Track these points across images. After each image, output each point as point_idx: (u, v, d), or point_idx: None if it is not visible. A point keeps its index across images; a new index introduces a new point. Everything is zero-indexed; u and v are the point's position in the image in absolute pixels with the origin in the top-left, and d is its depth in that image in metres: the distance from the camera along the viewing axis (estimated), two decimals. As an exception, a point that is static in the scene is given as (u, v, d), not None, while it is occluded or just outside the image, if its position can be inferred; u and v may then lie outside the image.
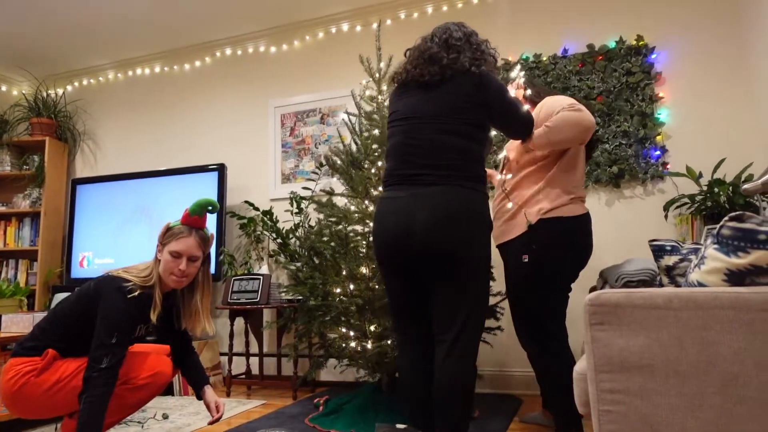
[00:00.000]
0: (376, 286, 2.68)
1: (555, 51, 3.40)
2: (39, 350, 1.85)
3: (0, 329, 2.78)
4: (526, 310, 2.09)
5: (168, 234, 1.96)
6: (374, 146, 2.81)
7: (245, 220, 3.80)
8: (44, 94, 4.70)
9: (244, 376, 3.70)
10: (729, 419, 1.16)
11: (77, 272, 4.23)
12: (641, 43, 3.20)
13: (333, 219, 2.92)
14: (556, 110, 1.93)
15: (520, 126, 1.91)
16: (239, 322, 3.91)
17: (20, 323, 2.64)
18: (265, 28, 4.17)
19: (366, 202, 2.81)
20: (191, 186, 3.98)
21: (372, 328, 2.67)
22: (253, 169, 4.15)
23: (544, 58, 3.40)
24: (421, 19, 3.79)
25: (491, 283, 2.62)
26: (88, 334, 1.84)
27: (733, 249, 1.24)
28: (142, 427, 2.61)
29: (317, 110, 4.00)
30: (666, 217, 2.94)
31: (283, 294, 3.15)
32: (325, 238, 2.90)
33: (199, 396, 2.17)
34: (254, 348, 3.92)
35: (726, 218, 1.26)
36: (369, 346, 2.64)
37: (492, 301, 2.60)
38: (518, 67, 3.32)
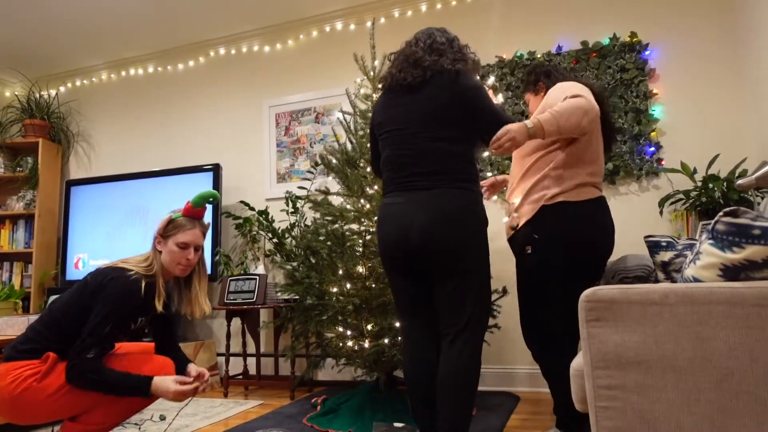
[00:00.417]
0: (373, 285, 2.68)
1: (549, 48, 3.40)
2: (36, 353, 1.81)
3: (-5, 332, 2.76)
4: (530, 305, 2.00)
5: (171, 226, 1.99)
6: (369, 145, 2.80)
7: (241, 220, 3.79)
8: (37, 96, 4.67)
9: (241, 377, 3.70)
10: (725, 414, 1.16)
11: (72, 274, 4.21)
12: (635, 39, 3.21)
13: (329, 218, 2.91)
14: (561, 98, 1.89)
15: (494, 125, 1.82)
16: (236, 322, 3.91)
17: (15, 326, 2.63)
18: (259, 27, 4.16)
19: (362, 200, 2.80)
20: (186, 186, 3.97)
21: (369, 327, 2.67)
22: (248, 169, 4.14)
23: (539, 56, 3.40)
24: (415, 17, 3.79)
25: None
26: None
27: (728, 244, 1.24)
28: (139, 428, 2.60)
29: (312, 109, 4.00)
30: (661, 213, 2.95)
31: (279, 294, 3.14)
32: (321, 238, 2.89)
33: (186, 373, 2.14)
34: (251, 348, 3.91)
35: (720, 213, 1.26)
36: (366, 345, 2.64)
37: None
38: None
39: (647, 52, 3.19)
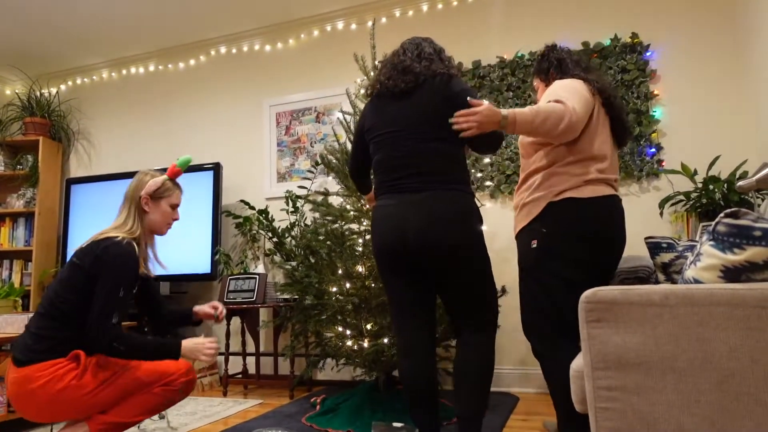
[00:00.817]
0: (372, 285, 2.68)
1: (550, 49, 3.39)
2: (56, 351, 1.78)
3: (-6, 330, 2.76)
4: (529, 301, 1.91)
5: (163, 188, 2.03)
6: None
7: (241, 219, 3.79)
8: (38, 94, 4.67)
9: (240, 376, 3.70)
10: (725, 415, 1.16)
11: (72, 272, 4.20)
12: (636, 40, 3.20)
13: (329, 218, 2.91)
14: (548, 98, 1.83)
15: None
16: (235, 321, 3.91)
17: (15, 324, 2.63)
18: (260, 26, 4.15)
19: (361, 200, 2.80)
20: (186, 185, 3.96)
21: (368, 326, 2.66)
22: (248, 168, 4.14)
23: (540, 56, 3.40)
24: (416, 17, 3.79)
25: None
26: None
27: (729, 245, 1.24)
28: (138, 427, 2.60)
29: (312, 109, 3.99)
30: (661, 214, 2.94)
31: (279, 293, 3.14)
32: (320, 237, 2.89)
33: (194, 317, 2.18)
34: (251, 347, 3.91)
35: (721, 215, 1.26)
36: (365, 344, 2.64)
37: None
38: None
39: (648, 53, 3.19)
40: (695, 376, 1.19)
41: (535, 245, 1.84)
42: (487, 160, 3.42)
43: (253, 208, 3.78)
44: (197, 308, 2.20)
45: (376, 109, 1.97)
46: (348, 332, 2.72)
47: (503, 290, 3.02)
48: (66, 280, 1.84)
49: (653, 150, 3.11)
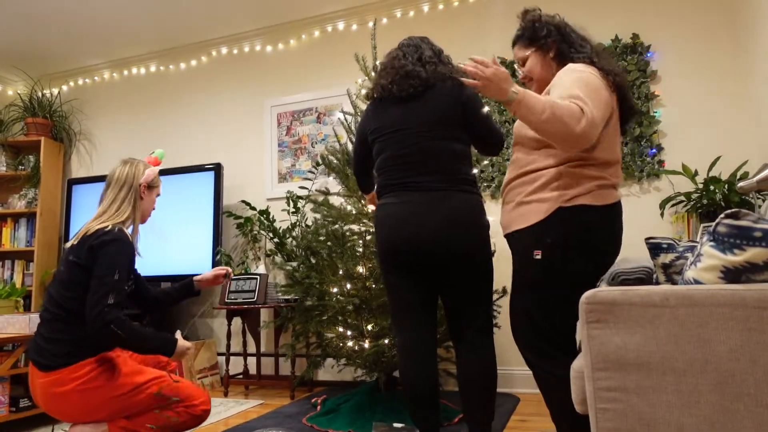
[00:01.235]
0: (373, 286, 2.68)
1: (551, 49, 3.40)
2: (81, 354, 1.79)
3: (-4, 330, 2.76)
4: (528, 313, 1.70)
5: (156, 179, 2.11)
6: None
7: (242, 220, 3.80)
8: (39, 94, 4.68)
9: (241, 376, 3.70)
10: (725, 416, 1.16)
11: (73, 273, 4.21)
12: (637, 41, 3.20)
13: (330, 218, 2.91)
14: (564, 88, 1.56)
15: (491, 133, 1.93)
16: (236, 321, 3.91)
17: (16, 324, 2.63)
18: (261, 27, 4.16)
19: (362, 201, 2.80)
20: (188, 185, 3.97)
21: (369, 327, 2.67)
22: (249, 169, 4.15)
23: (541, 57, 3.40)
24: (417, 18, 3.79)
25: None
26: None
27: (729, 246, 1.24)
28: None
29: (313, 109, 4.00)
30: (662, 214, 2.94)
31: (280, 294, 3.15)
32: (321, 238, 2.90)
33: (195, 287, 2.21)
34: (252, 348, 3.91)
35: (722, 216, 1.26)
36: (366, 345, 2.64)
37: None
38: None
39: (649, 54, 3.19)
40: (695, 376, 1.19)
41: (539, 257, 1.63)
42: (486, 161, 3.43)
43: (254, 208, 3.79)
44: (199, 277, 2.23)
45: (381, 112, 1.97)
46: (349, 333, 2.72)
47: (504, 291, 3.02)
48: (67, 281, 1.84)
49: (654, 151, 3.11)
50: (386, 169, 1.93)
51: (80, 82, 4.83)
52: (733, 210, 1.25)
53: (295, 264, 3.15)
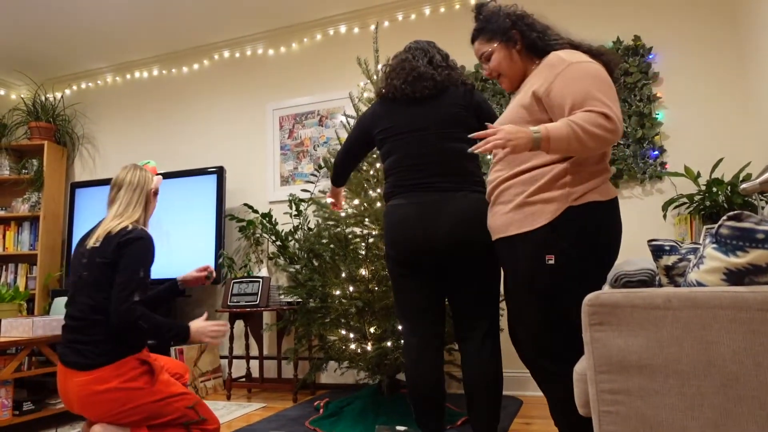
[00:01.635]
0: (376, 288, 2.68)
1: (553, 52, 3.40)
2: (120, 351, 1.85)
3: (0, 333, 2.77)
4: (532, 320, 1.57)
5: (159, 187, 2.20)
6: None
7: (244, 223, 3.80)
8: (43, 98, 4.70)
9: (244, 379, 3.70)
10: (729, 419, 1.16)
11: (76, 276, 4.22)
12: (638, 43, 3.20)
13: (332, 221, 2.92)
14: (570, 102, 1.44)
15: None
16: (239, 324, 3.91)
17: (20, 328, 2.64)
18: (263, 30, 4.17)
19: (365, 204, 2.80)
20: (190, 188, 3.98)
21: (372, 330, 2.67)
22: (251, 172, 4.15)
23: (542, 59, 3.40)
24: (418, 21, 3.80)
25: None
26: None
27: (732, 248, 1.24)
28: None
29: (316, 112, 4.01)
30: (665, 216, 2.94)
31: (282, 296, 3.15)
32: (324, 240, 2.90)
33: (180, 286, 2.26)
34: (254, 351, 3.92)
35: (724, 217, 1.26)
36: (369, 348, 2.64)
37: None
38: None
39: (651, 56, 3.19)
40: (699, 379, 1.19)
41: (552, 262, 1.50)
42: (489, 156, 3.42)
43: (256, 211, 3.80)
44: (182, 276, 2.27)
45: (393, 112, 1.97)
46: (351, 335, 2.72)
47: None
48: (97, 283, 1.89)
49: (656, 152, 3.11)
50: (398, 170, 1.93)
51: (83, 86, 4.85)
52: (735, 212, 1.25)
53: (297, 267, 3.15)
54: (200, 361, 3.66)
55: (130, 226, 1.96)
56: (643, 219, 3.13)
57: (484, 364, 1.85)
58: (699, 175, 2.86)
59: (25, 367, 2.92)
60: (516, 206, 1.57)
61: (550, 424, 2.51)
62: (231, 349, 3.47)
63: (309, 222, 3.69)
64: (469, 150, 1.47)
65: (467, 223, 1.81)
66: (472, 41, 1.75)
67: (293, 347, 3.11)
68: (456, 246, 1.81)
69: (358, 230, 2.86)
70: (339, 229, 2.85)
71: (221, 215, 3.85)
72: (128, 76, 4.69)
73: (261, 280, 3.43)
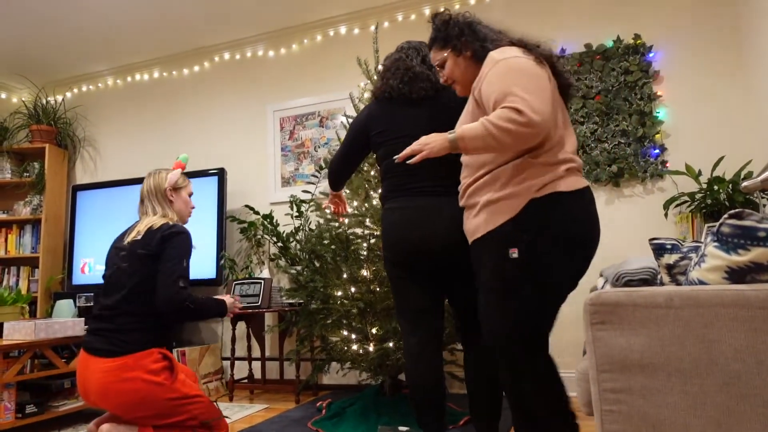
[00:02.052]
0: (377, 289, 2.68)
1: (552, 51, 3.39)
2: (152, 342, 1.93)
3: (2, 337, 2.78)
4: (501, 321, 1.53)
5: (181, 180, 2.26)
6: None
7: (246, 224, 3.81)
8: (44, 101, 4.71)
9: (246, 381, 3.70)
10: (732, 417, 1.16)
11: (79, 279, 4.23)
12: (639, 41, 3.20)
13: (333, 222, 2.92)
14: (493, 99, 1.46)
15: None
16: (241, 326, 3.91)
17: (22, 330, 2.64)
18: (263, 32, 4.18)
19: (366, 204, 2.81)
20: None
21: (374, 330, 2.67)
22: (252, 173, 4.16)
23: (542, 59, 3.40)
24: (418, 21, 3.80)
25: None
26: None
27: (733, 246, 1.24)
28: None
29: (316, 113, 4.01)
30: (666, 215, 2.94)
31: (284, 298, 3.15)
32: (325, 242, 2.90)
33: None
34: (256, 352, 3.92)
35: (725, 216, 1.26)
36: (371, 348, 2.64)
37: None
38: None
39: (651, 54, 3.19)
40: (701, 377, 1.18)
41: (515, 255, 1.48)
42: None
43: (257, 213, 3.80)
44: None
45: (389, 113, 1.97)
46: (353, 336, 2.72)
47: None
48: (135, 273, 1.97)
49: (657, 151, 3.11)
50: (395, 173, 1.93)
51: (84, 88, 4.86)
52: (736, 210, 1.25)
53: (299, 268, 3.15)
54: (202, 362, 3.66)
55: (171, 222, 2.07)
56: (645, 218, 3.13)
57: (486, 361, 1.87)
58: (700, 173, 2.86)
59: (28, 369, 2.92)
60: (482, 208, 1.57)
61: (553, 424, 2.50)
62: (233, 350, 3.47)
63: (310, 223, 3.69)
64: (394, 159, 1.57)
65: (462, 225, 1.82)
66: (429, 49, 1.80)
67: (295, 348, 3.11)
68: (453, 246, 1.81)
69: (359, 231, 2.86)
70: (340, 230, 2.86)
71: (222, 217, 3.85)
72: (129, 79, 4.70)
73: (262, 281, 3.43)
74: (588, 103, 3.25)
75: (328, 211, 2.35)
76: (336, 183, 2.18)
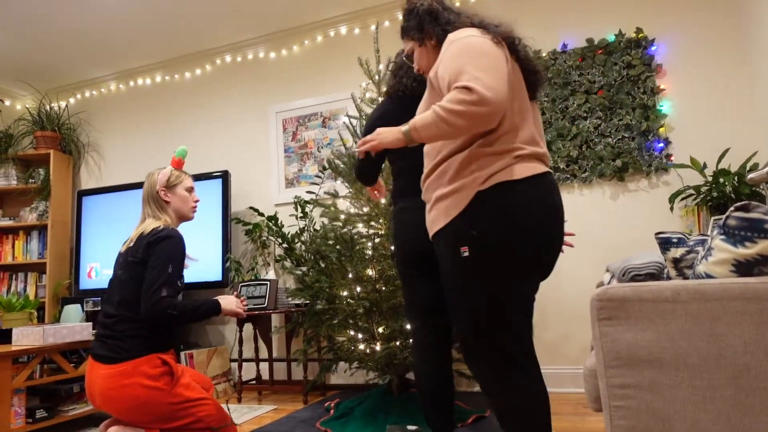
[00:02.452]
0: (383, 288, 2.68)
1: (554, 47, 3.39)
2: (149, 349, 1.91)
3: (11, 343, 2.79)
4: (463, 321, 1.45)
5: (174, 177, 2.18)
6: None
7: (250, 226, 3.81)
8: (47, 108, 4.73)
9: (254, 382, 3.71)
10: (741, 411, 1.15)
11: (86, 283, 4.25)
12: (641, 35, 3.19)
13: (338, 222, 2.92)
14: (446, 82, 1.38)
15: None
16: (248, 327, 3.92)
17: (31, 336, 2.66)
18: (264, 34, 4.18)
19: (370, 203, 2.81)
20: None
21: (380, 330, 2.67)
22: (256, 175, 4.16)
23: (544, 54, 3.39)
24: (419, 20, 3.79)
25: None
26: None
27: (740, 239, 1.23)
28: None
29: (318, 114, 4.01)
30: (671, 209, 2.92)
31: (290, 298, 3.15)
32: (330, 242, 2.90)
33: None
34: (264, 353, 3.93)
35: (732, 208, 1.25)
36: (378, 348, 2.64)
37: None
38: None
39: (653, 48, 3.17)
40: (709, 371, 1.18)
41: (466, 254, 1.40)
42: None
43: (262, 214, 3.81)
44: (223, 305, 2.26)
45: (402, 112, 1.96)
46: (360, 336, 2.72)
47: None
48: (128, 281, 1.95)
49: (662, 145, 3.09)
50: (405, 174, 1.95)
51: (87, 94, 4.88)
52: (743, 203, 1.24)
53: (304, 268, 3.15)
54: (210, 364, 3.67)
55: (162, 226, 2.02)
56: (650, 212, 3.11)
57: None
58: (705, 166, 2.85)
59: (37, 374, 2.94)
60: (434, 204, 1.51)
61: (563, 419, 2.50)
62: (240, 352, 3.48)
63: (315, 223, 3.69)
64: (354, 152, 1.51)
65: None
66: (401, 39, 1.76)
67: (302, 349, 3.12)
68: None
69: (364, 230, 2.86)
70: (345, 230, 2.86)
71: (227, 219, 3.86)
72: (131, 83, 4.71)
73: (268, 282, 3.44)
74: (591, 98, 3.24)
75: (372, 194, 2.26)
76: (366, 182, 2.15)
